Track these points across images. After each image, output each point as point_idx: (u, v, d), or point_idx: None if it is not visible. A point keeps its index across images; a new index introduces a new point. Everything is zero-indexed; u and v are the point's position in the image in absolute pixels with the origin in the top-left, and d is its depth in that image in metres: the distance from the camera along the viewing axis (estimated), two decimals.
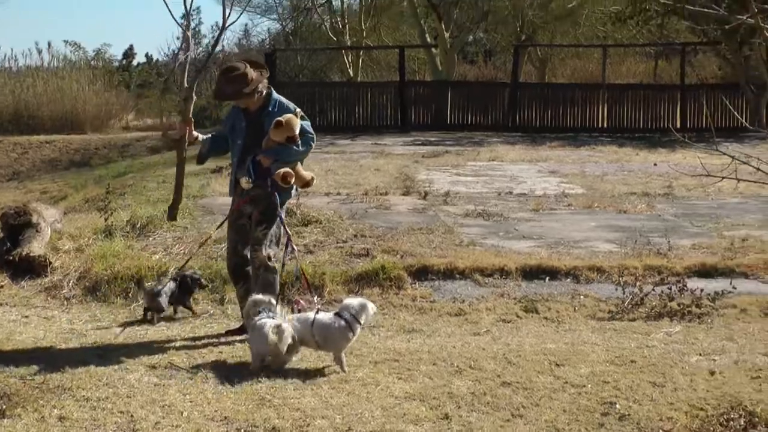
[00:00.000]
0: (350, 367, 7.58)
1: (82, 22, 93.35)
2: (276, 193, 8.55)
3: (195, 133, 9.07)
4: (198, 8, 60.68)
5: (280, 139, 8.44)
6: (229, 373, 7.44)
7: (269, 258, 8.59)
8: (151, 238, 12.20)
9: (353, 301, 7.88)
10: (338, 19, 44.82)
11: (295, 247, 9.31)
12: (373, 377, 7.40)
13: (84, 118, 35.21)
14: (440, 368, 7.66)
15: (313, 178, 9.10)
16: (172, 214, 11.57)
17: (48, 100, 35.48)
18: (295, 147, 8.54)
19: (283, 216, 8.88)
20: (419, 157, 22.56)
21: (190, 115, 9.88)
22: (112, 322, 9.31)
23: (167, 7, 9.54)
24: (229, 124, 8.91)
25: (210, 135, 9.16)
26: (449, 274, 10.76)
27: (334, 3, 45.28)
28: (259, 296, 7.95)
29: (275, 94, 8.78)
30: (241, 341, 8.34)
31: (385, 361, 7.86)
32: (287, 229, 9.02)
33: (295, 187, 8.87)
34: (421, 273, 10.73)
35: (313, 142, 8.79)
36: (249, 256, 8.69)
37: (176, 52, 43.02)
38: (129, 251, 11.26)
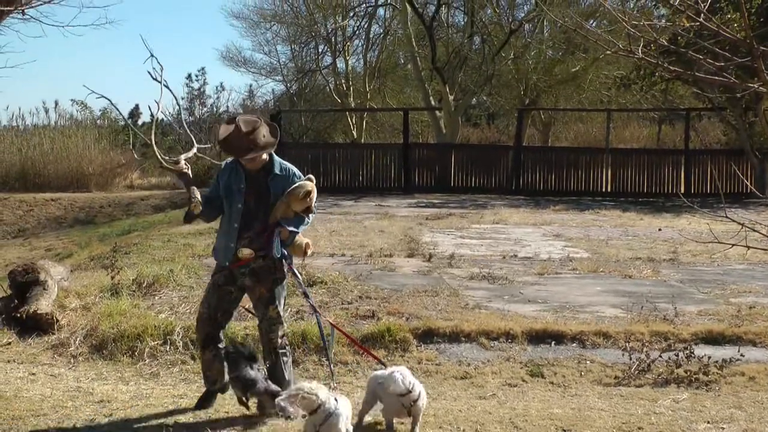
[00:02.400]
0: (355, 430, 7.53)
1: (88, 82, 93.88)
2: (283, 266, 8.05)
3: (196, 195, 8.00)
4: (203, 69, 60.88)
5: (301, 209, 7.92)
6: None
7: (285, 337, 8.21)
8: (157, 297, 12.22)
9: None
10: (342, 81, 45.10)
11: (319, 310, 8.72)
12: None
13: (89, 177, 35.42)
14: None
15: (308, 244, 8.29)
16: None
17: (54, 159, 35.73)
18: (308, 217, 8.07)
19: (298, 274, 8.43)
20: (423, 219, 22.59)
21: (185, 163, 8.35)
22: (118, 380, 9.30)
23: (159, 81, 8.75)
24: (224, 185, 8.04)
25: (202, 195, 8.15)
26: (455, 337, 10.72)
27: (338, 65, 45.57)
28: (313, 384, 6.79)
29: (275, 156, 8.13)
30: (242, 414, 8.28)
31: None
32: (305, 288, 8.69)
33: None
34: (427, 336, 10.69)
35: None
36: (264, 335, 8.08)
37: (179, 111, 43.36)
38: (135, 310, 11.30)
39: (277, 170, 8.01)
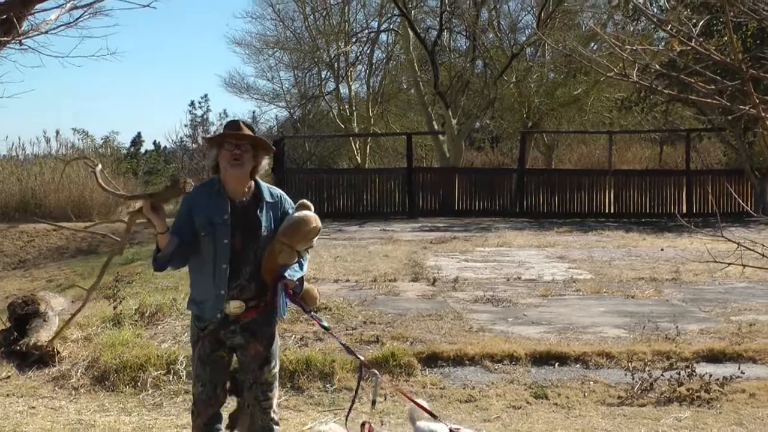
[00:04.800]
0: None
1: (91, 109, 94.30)
2: (275, 318, 6.56)
3: (165, 223, 6.18)
4: (206, 96, 61.25)
5: (304, 248, 6.52)
6: None
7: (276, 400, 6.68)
8: (159, 327, 12.25)
9: None
10: (346, 106, 45.25)
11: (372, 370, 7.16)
12: None
13: (91, 206, 35.29)
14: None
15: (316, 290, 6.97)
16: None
17: (55, 188, 35.60)
18: (307, 253, 6.69)
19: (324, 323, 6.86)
20: (427, 243, 22.66)
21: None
22: (120, 412, 9.33)
23: None
24: (201, 218, 6.32)
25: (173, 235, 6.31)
26: (459, 360, 10.77)
27: (341, 91, 45.74)
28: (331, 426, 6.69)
29: (261, 181, 6.61)
30: None
31: None
32: (342, 342, 7.38)
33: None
34: (431, 360, 10.75)
35: None
36: (255, 403, 6.54)
37: (183, 139, 43.52)
38: (138, 340, 11.29)
39: (267, 197, 6.50)
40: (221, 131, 6.55)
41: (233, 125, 6.47)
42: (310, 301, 6.70)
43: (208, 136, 6.87)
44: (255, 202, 6.45)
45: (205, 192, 6.40)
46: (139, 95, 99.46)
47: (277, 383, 6.61)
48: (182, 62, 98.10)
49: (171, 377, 10.20)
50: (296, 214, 6.45)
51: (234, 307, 6.32)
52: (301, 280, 6.46)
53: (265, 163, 6.56)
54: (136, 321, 12.25)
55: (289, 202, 6.59)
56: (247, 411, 6.63)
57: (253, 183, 6.49)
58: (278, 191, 6.62)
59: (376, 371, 6.96)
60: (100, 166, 6.69)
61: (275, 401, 6.58)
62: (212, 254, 6.30)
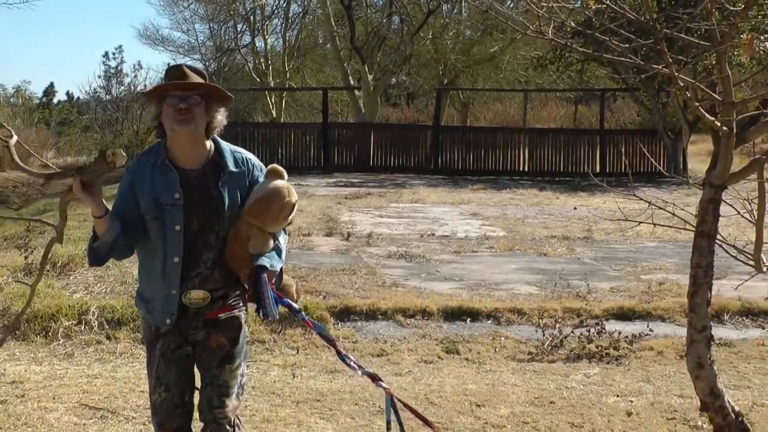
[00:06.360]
0: (273, 406, 7.59)
1: (3, 60, 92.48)
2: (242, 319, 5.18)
3: (102, 205, 4.80)
4: (120, 47, 60.44)
5: (279, 228, 5.08)
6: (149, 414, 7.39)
7: (236, 411, 5.16)
8: (72, 277, 12.10)
9: None
10: (262, 60, 44.96)
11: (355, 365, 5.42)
12: (295, 417, 7.40)
13: (2, 155, 34.69)
14: (362, 408, 7.68)
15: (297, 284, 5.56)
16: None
17: None
18: (285, 234, 5.26)
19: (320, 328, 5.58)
20: (342, 199, 22.65)
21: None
22: (31, 361, 9.20)
23: None
24: (146, 198, 4.90)
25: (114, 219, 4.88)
26: (371, 315, 10.78)
27: (257, 44, 45.41)
28: None
29: (221, 141, 5.12)
30: None
31: (308, 401, 7.86)
32: (330, 336, 5.63)
33: None
34: (344, 314, 10.74)
35: None
36: (208, 410, 5.03)
37: (96, 90, 42.90)
38: (49, 290, 11.12)
39: (230, 163, 5.03)
40: (162, 82, 5.12)
41: (176, 72, 5.01)
42: (288, 293, 5.30)
43: (146, 89, 4.69)
44: (214, 171, 4.98)
45: (148, 163, 4.97)
46: (52, 44, 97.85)
47: (238, 390, 5.13)
48: (97, 13, 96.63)
49: (83, 327, 10.06)
50: (265, 186, 5.01)
51: (195, 297, 4.94)
52: (280, 271, 5.15)
53: (222, 116, 5.04)
54: (48, 271, 12.05)
55: (259, 168, 5.14)
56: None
57: (211, 145, 5.04)
58: (245, 153, 5.15)
59: (392, 392, 5.48)
60: (15, 137, 5.39)
61: (233, 412, 5.06)
62: (161, 244, 4.91)
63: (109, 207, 4.88)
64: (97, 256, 4.93)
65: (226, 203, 4.93)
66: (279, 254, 5.06)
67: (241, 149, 5.15)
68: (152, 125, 5.05)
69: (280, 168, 5.11)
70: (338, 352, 5.33)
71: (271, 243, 4.98)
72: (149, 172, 4.92)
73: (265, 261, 4.92)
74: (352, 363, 5.36)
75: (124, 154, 4.70)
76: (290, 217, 5.04)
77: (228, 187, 4.95)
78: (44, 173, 5.28)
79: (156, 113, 4.94)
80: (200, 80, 4.98)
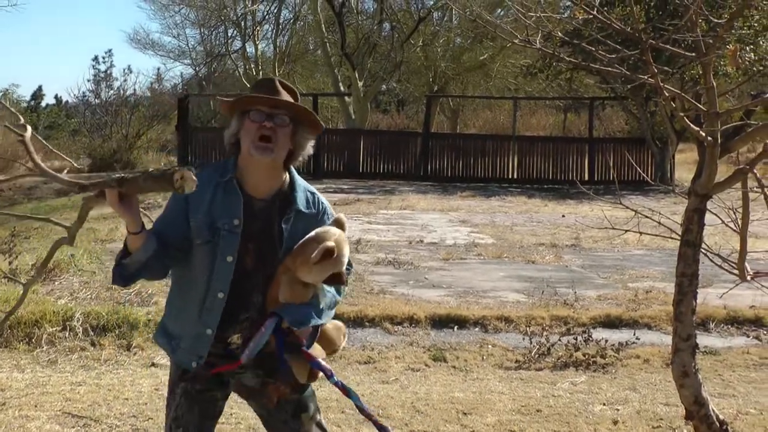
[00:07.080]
0: None
1: None
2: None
3: (139, 220, 4.06)
4: (110, 51, 60.36)
5: (316, 280, 4.23)
6: (135, 422, 7.39)
7: None
8: (57, 283, 12.04)
9: None
10: (252, 65, 44.96)
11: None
12: None
13: (15, 158, 34.69)
14: (348, 416, 7.67)
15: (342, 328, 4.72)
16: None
17: None
18: (340, 294, 4.53)
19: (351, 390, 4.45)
20: (331, 205, 22.58)
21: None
22: (13, 368, 9.16)
23: None
24: (200, 219, 4.21)
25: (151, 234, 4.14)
26: (359, 321, 10.78)
27: (248, 50, 45.43)
28: None
29: (297, 176, 4.55)
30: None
31: None
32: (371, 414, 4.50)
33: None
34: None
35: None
36: None
37: (85, 94, 42.88)
38: (33, 296, 11.04)
39: (300, 203, 4.42)
40: (247, 92, 4.52)
41: (266, 84, 4.40)
42: (325, 346, 4.51)
43: (227, 98, 4.43)
44: (282, 206, 4.35)
45: (213, 179, 4.27)
46: (41, 48, 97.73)
47: None
48: (86, 16, 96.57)
49: (67, 334, 9.99)
50: (314, 230, 4.31)
51: (236, 337, 4.29)
52: (314, 330, 4.33)
53: (309, 148, 4.53)
54: (33, 277, 12.00)
55: (329, 215, 4.52)
56: None
57: (287, 176, 4.45)
58: (320, 197, 4.57)
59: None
60: (30, 129, 4.51)
61: None
62: (206, 275, 4.21)
63: (152, 219, 4.31)
64: (123, 275, 4.16)
65: (285, 243, 4.26)
66: (318, 314, 4.28)
67: (316, 191, 4.57)
68: (229, 142, 4.36)
69: (345, 219, 4.48)
70: (381, 427, 4.43)
71: (305, 294, 4.19)
72: (211, 189, 4.23)
73: (285, 312, 4.14)
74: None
75: (195, 179, 3.80)
76: (334, 267, 4.22)
77: (292, 226, 4.31)
78: (79, 182, 4.32)
79: (235, 129, 4.32)
80: (291, 99, 4.34)
